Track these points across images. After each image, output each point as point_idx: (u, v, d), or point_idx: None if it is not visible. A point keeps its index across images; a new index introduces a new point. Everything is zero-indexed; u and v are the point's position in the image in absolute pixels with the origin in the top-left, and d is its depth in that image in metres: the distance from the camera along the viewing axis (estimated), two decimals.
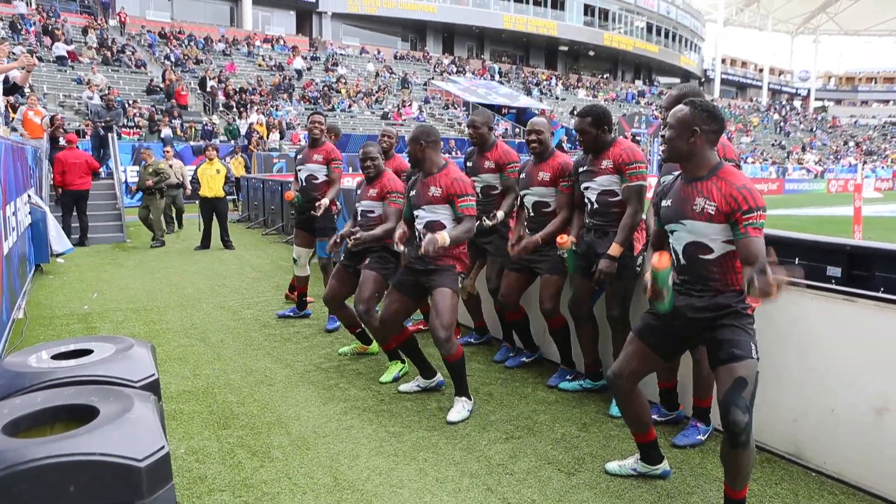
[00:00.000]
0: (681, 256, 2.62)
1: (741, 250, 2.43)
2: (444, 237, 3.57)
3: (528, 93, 39.12)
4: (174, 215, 12.36)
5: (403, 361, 4.42)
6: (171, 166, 11.51)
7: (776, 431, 3.20)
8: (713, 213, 2.47)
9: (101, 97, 14.70)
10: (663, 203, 2.69)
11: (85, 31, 26.51)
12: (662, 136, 2.66)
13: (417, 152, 3.80)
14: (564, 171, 4.06)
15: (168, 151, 12.12)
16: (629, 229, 3.58)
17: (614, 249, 3.56)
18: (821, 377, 2.99)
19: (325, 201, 5.47)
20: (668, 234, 2.71)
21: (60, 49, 23.09)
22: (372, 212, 4.52)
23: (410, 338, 4.07)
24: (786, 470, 3.09)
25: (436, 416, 3.73)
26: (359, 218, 4.60)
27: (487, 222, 4.42)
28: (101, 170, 13.12)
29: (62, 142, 11.38)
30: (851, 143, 51.96)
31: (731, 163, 3.13)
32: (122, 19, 29.77)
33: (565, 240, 3.78)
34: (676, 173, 2.73)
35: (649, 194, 3.59)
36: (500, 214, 4.42)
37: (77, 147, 10.26)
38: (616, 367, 2.80)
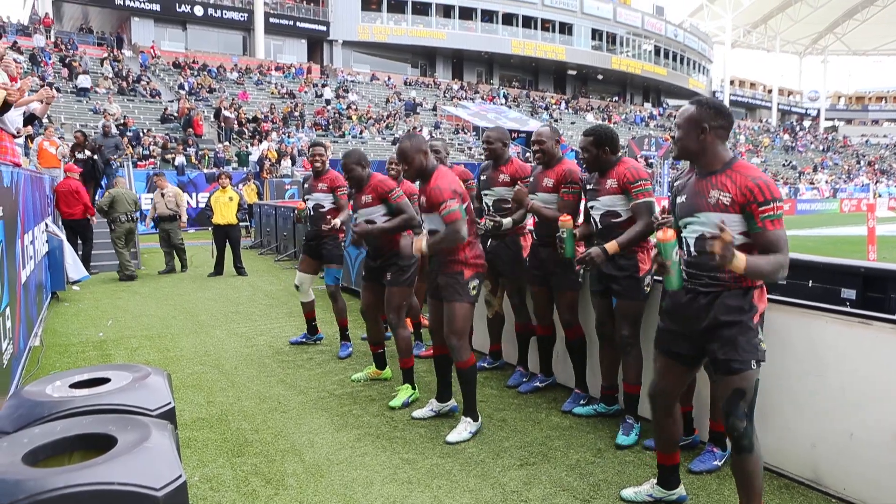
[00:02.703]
0: (692, 248, 2.62)
1: (759, 243, 2.44)
2: (420, 243, 3.62)
3: (538, 116, 39.35)
4: (174, 252, 10.85)
5: (414, 387, 4.42)
6: (163, 195, 10.59)
7: (794, 457, 3.16)
8: (728, 203, 2.48)
9: (114, 126, 14.71)
10: (678, 200, 2.71)
11: (102, 63, 27.09)
12: (672, 138, 2.69)
13: (423, 162, 3.77)
14: (567, 177, 4.09)
15: (158, 178, 11.05)
16: (634, 235, 3.56)
17: (610, 246, 3.55)
18: (838, 401, 2.96)
19: (337, 221, 5.47)
20: (680, 231, 2.73)
21: (84, 81, 23.61)
22: (373, 222, 4.55)
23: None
24: (805, 496, 3.05)
25: (450, 442, 3.71)
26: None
27: (489, 223, 4.44)
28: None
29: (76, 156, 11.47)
30: (863, 163, 51.73)
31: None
32: (143, 49, 30.50)
33: (567, 219, 3.78)
34: (689, 175, 2.74)
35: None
36: (506, 221, 4.44)
37: (73, 177, 10.23)
38: (653, 384, 2.83)
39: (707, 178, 2.57)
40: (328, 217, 5.54)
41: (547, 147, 4.19)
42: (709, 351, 2.61)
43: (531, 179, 4.36)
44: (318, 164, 5.63)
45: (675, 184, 2.88)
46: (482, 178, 4.74)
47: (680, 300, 2.68)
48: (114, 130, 15.43)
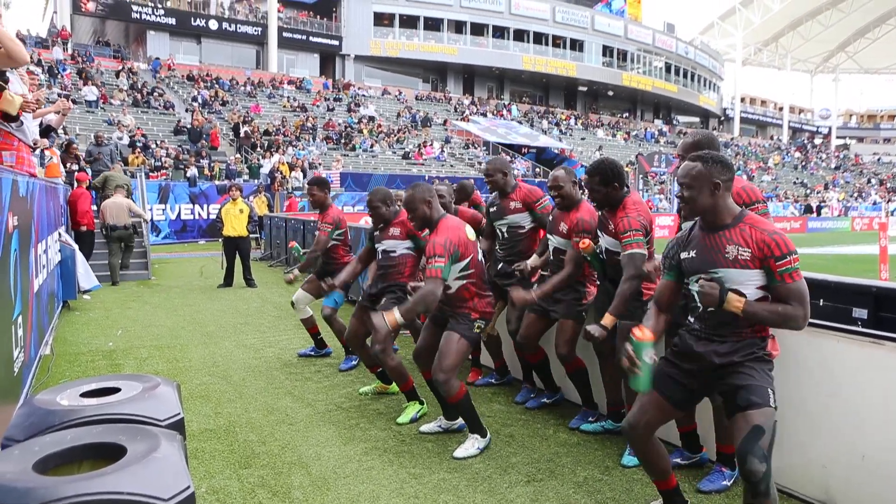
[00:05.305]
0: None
1: (777, 296, 2.47)
2: (393, 317, 3.57)
3: (547, 131, 39.45)
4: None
5: (422, 402, 4.40)
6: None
7: (806, 477, 3.12)
8: (748, 258, 2.49)
9: (126, 135, 14.91)
10: (683, 255, 2.67)
11: (118, 75, 27.45)
12: (679, 197, 2.66)
13: (427, 212, 3.79)
14: (580, 225, 3.94)
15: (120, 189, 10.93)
16: (624, 298, 3.41)
17: (607, 320, 3.37)
18: (850, 422, 2.93)
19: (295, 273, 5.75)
20: (679, 286, 2.74)
21: (91, 94, 23.90)
22: (394, 251, 4.57)
23: None
24: None
25: (458, 458, 3.70)
26: (379, 256, 4.65)
27: (519, 268, 4.42)
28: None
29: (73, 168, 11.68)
30: (875, 181, 51.44)
31: (759, 203, 3.12)
32: (164, 62, 31.00)
33: (587, 243, 3.69)
34: (690, 224, 2.72)
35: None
36: (531, 261, 4.40)
37: (83, 186, 10.56)
38: (631, 418, 2.75)
39: (719, 233, 2.57)
40: (337, 252, 5.75)
41: (565, 191, 4.08)
42: (726, 386, 2.56)
43: (550, 218, 4.26)
44: (313, 203, 5.81)
45: (677, 238, 2.79)
46: (492, 209, 4.74)
47: (692, 345, 2.65)
48: (114, 138, 15.52)
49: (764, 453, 2.36)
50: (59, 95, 20.15)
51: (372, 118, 32.03)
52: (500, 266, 4.65)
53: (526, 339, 4.33)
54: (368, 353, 4.71)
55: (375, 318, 3.61)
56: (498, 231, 4.70)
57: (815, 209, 35.82)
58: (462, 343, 3.74)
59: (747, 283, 2.52)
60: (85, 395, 2.34)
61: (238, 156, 22.45)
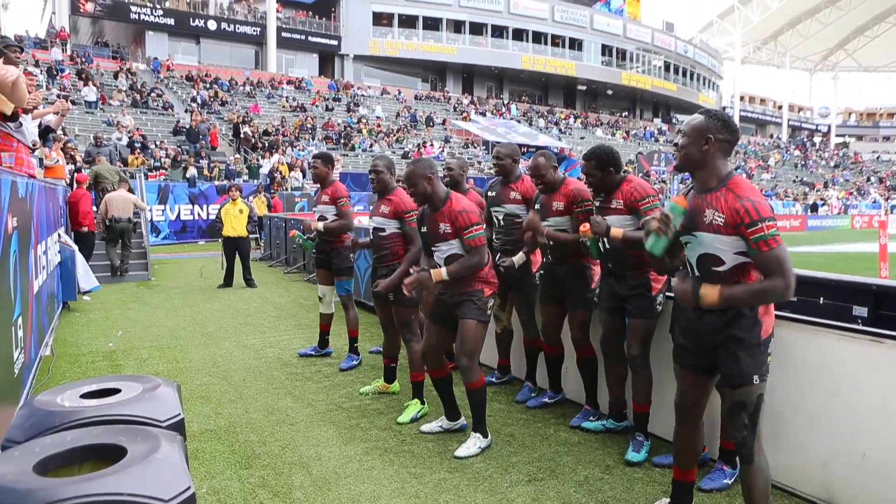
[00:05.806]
0: (695, 268, 2.63)
1: (757, 265, 2.45)
2: (439, 273, 3.63)
3: (548, 131, 39.44)
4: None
5: (423, 402, 4.41)
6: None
7: (806, 475, 3.13)
8: (721, 224, 2.47)
9: (125, 136, 14.96)
10: None
11: (116, 76, 27.45)
12: (675, 145, 2.68)
13: (427, 188, 3.75)
14: (577, 197, 4.06)
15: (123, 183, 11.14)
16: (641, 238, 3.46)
17: (616, 231, 3.52)
18: (850, 420, 2.93)
19: (319, 225, 5.60)
20: (678, 240, 2.76)
21: (90, 94, 23.88)
22: (384, 230, 4.54)
23: (448, 375, 4.03)
24: None
25: (458, 457, 3.70)
26: (371, 231, 4.68)
27: (504, 265, 4.43)
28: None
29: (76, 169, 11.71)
30: (874, 179, 51.45)
31: None
32: (163, 62, 31.03)
33: (587, 227, 3.69)
34: (691, 186, 2.74)
35: None
36: (517, 258, 4.41)
37: (83, 187, 10.66)
38: (679, 397, 2.83)
39: (703, 196, 2.57)
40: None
41: (548, 178, 4.15)
42: (717, 364, 2.64)
43: (538, 206, 4.30)
44: (315, 175, 5.73)
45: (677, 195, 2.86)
46: (491, 194, 4.74)
47: (688, 316, 2.69)
48: (113, 138, 15.55)
49: (744, 423, 2.57)
50: (58, 96, 20.14)
51: (378, 117, 32.07)
52: (497, 257, 4.62)
53: (549, 329, 4.40)
54: (396, 343, 4.79)
55: (421, 275, 3.68)
56: (494, 218, 4.70)
57: (816, 207, 36.00)
58: (479, 327, 3.75)
59: (723, 249, 2.50)
60: (85, 396, 2.34)
61: (237, 156, 22.43)
